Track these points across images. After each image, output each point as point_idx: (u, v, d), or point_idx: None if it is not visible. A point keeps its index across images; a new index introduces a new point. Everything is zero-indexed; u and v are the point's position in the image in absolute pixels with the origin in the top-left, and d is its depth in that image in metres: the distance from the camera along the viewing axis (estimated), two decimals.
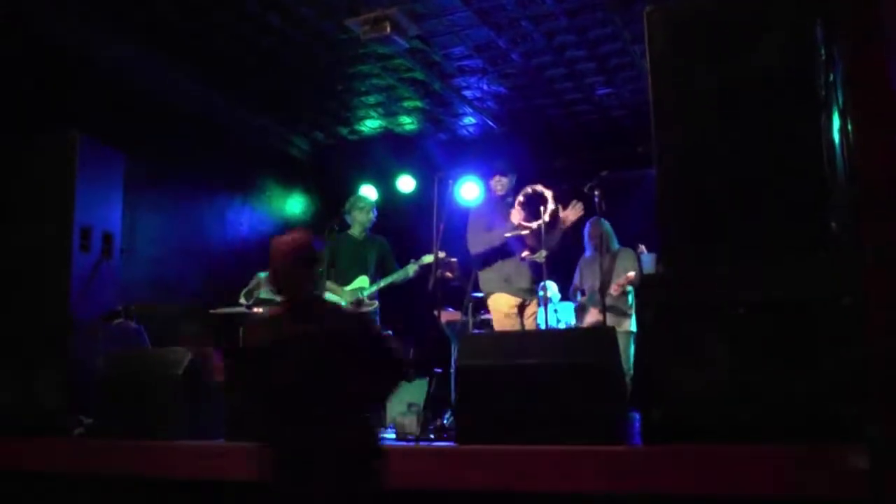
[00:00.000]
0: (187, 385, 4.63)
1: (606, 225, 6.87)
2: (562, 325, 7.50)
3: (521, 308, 6.19)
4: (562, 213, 6.08)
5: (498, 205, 6.35)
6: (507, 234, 6.06)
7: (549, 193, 6.04)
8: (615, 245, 7.05)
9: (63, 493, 4.49)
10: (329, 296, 7.02)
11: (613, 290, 6.82)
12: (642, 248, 7.21)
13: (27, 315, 5.46)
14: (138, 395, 4.77)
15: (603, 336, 4.17)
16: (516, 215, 6.05)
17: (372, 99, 9.37)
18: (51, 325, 5.34)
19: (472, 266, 6.35)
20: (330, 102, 9.49)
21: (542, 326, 6.15)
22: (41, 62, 7.04)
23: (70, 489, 4.46)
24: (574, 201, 6.11)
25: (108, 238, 5.92)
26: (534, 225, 6.00)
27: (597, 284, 7.11)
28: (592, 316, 7.13)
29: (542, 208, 5.98)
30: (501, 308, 6.15)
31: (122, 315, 5.68)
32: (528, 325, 6.16)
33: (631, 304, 7.16)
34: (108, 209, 6.01)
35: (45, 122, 6.44)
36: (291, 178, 10.55)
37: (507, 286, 6.14)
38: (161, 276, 7.99)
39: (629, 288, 6.87)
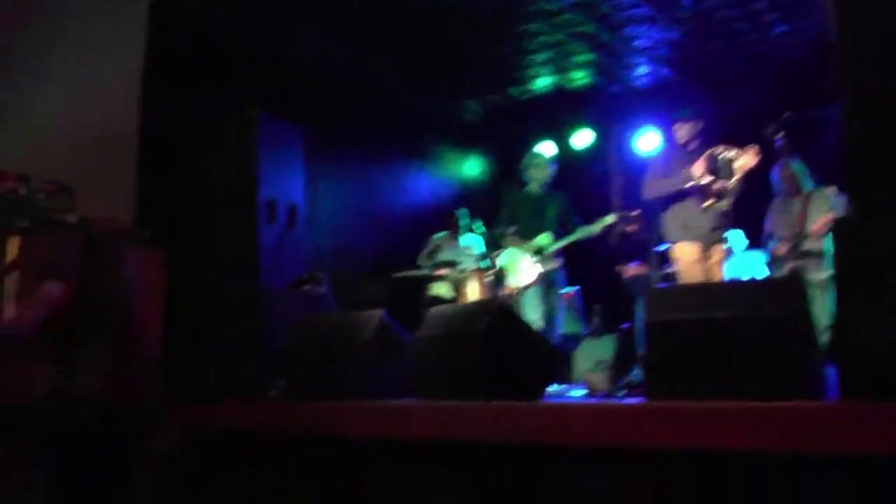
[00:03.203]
0: (377, 346, 4.69)
1: (796, 165, 6.46)
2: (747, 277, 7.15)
3: (706, 254, 5.90)
4: (736, 164, 5.74)
5: (678, 153, 6.09)
6: (687, 186, 5.82)
7: (740, 162, 5.70)
8: (808, 186, 6.59)
9: (261, 453, 4.68)
10: (511, 249, 6.98)
11: (813, 233, 6.41)
12: (832, 189, 6.76)
13: (220, 287, 5.70)
14: (328, 357, 4.87)
15: (790, 286, 3.90)
16: (699, 168, 5.79)
17: (541, 57, 9.24)
18: (243, 295, 5.55)
19: (654, 217, 6.15)
20: (499, 64, 9.44)
21: (727, 277, 5.89)
22: (220, 44, 7.32)
23: (265, 451, 4.64)
24: (748, 147, 5.74)
25: (292, 210, 6.07)
26: (716, 184, 5.73)
27: (789, 231, 6.73)
28: (788, 265, 6.76)
29: (730, 171, 5.67)
30: (684, 256, 5.91)
31: (309, 282, 5.84)
32: (713, 272, 5.87)
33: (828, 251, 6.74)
34: (290, 182, 6.16)
35: (227, 103, 6.67)
36: (466, 141, 10.62)
37: (687, 233, 5.90)
38: (343, 244, 8.23)
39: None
